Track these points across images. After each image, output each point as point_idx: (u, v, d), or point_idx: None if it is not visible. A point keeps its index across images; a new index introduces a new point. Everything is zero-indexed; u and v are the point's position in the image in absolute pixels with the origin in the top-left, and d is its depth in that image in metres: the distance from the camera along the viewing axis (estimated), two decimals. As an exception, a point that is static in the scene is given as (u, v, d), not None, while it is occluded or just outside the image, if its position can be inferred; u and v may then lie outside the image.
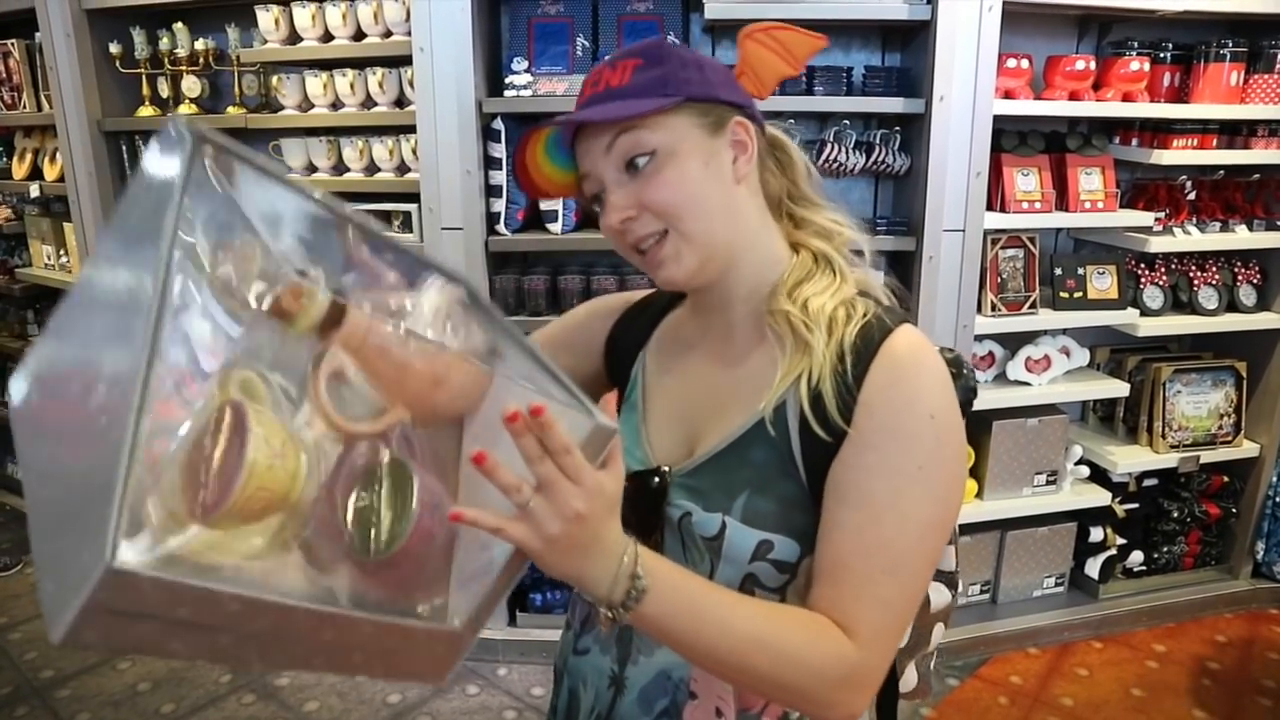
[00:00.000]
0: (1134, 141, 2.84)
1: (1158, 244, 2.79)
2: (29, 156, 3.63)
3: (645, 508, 0.96)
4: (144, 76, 3.14)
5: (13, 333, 4.11)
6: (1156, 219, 2.83)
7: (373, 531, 0.71)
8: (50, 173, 3.51)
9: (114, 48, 3.10)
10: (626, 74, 0.92)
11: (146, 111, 3.15)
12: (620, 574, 0.77)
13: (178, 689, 2.87)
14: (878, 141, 2.69)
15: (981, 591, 3.10)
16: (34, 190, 3.52)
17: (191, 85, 3.10)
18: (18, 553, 3.82)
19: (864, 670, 0.86)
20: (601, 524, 0.76)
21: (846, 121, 2.69)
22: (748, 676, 0.87)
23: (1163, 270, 3.00)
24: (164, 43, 3.07)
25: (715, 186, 0.92)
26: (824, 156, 2.66)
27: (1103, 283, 2.88)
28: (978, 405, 2.85)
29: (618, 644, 1.01)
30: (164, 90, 3.16)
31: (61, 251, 3.63)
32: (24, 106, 3.52)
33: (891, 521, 0.86)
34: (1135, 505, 3.17)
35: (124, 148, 3.17)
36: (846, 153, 2.67)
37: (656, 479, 0.98)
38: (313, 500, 0.69)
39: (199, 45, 3.07)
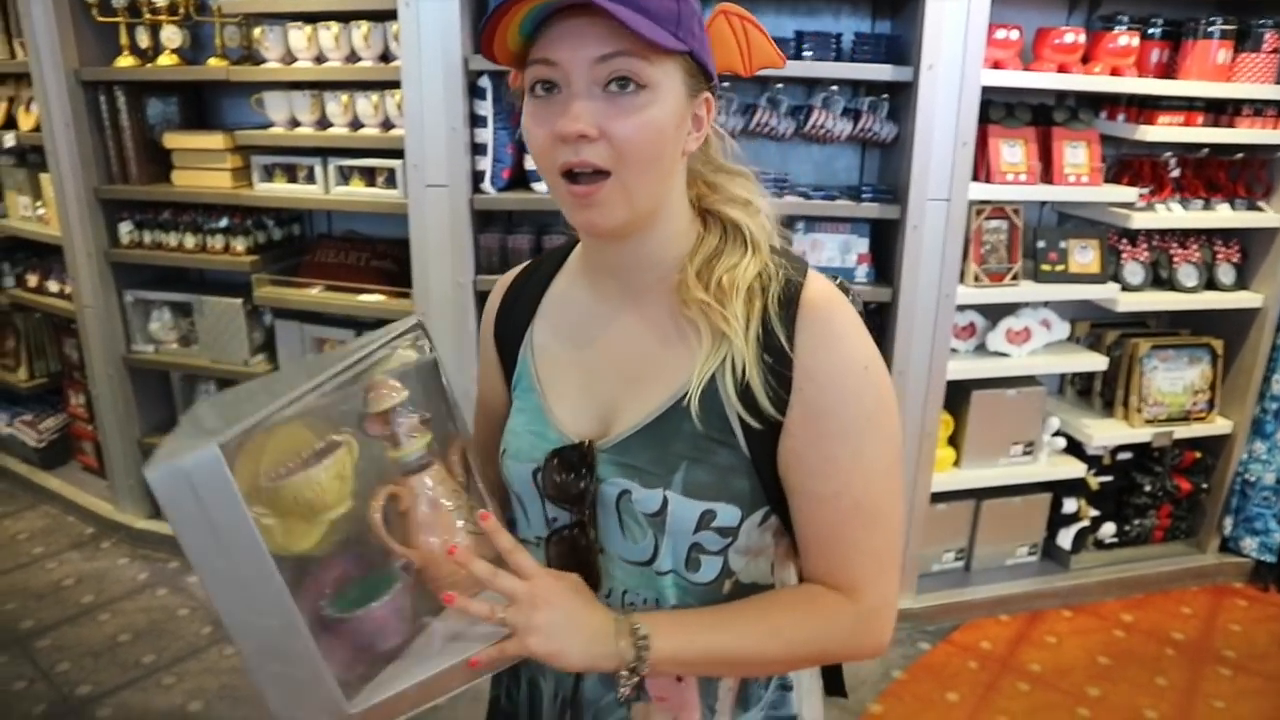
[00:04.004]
0: (1120, 117, 2.84)
1: (1140, 220, 2.81)
2: (3, 105, 3.57)
3: (573, 485, 0.95)
4: (122, 25, 3.08)
5: (-12, 284, 4.06)
6: (1140, 195, 2.84)
7: (348, 598, 0.89)
8: (25, 122, 3.45)
9: (91, -6, 3.04)
10: None
11: (125, 61, 3.09)
12: (620, 633, 0.87)
13: (158, 640, 2.85)
14: (865, 109, 2.68)
15: (956, 559, 3.14)
16: (9, 140, 3.46)
17: (171, 35, 3.04)
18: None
19: (871, 611, 0.93)
20: (577, 603, 0.89)
21: (835, 88, 2.68)
22: (771, 669, 1.02)
23: (1144, 246, 3.02)
24: (143, -10, 3.01)
25: (671, 149, 0.89)
26: (811, 122, 2.66)
27: (1085, 257, 2.90)
28: (957, 375, 2.87)
29: None
30: (143, 40, 3.09)
31: (38, 202, 3.58)
32: (-7, 53, 3.45)
33: (860, 480, 0.90)
34: (1109, 478, 3.21)
35: (102, 98, 3.11)
36: (834, 119, 2.67)
37: (579, 453, 0.96)
38: (336, 539, 0.88)
39: (179, -6, 3.01)
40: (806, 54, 2.61)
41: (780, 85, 2.71)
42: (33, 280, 3.78)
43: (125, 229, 3.23)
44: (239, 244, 3.08)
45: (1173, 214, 2.90)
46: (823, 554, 0.93)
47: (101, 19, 3.04)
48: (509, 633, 0.86)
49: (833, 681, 1.13)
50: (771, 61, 0.97)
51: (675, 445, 0.92)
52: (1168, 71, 2.82)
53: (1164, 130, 2.76)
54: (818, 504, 0.91)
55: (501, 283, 1.15)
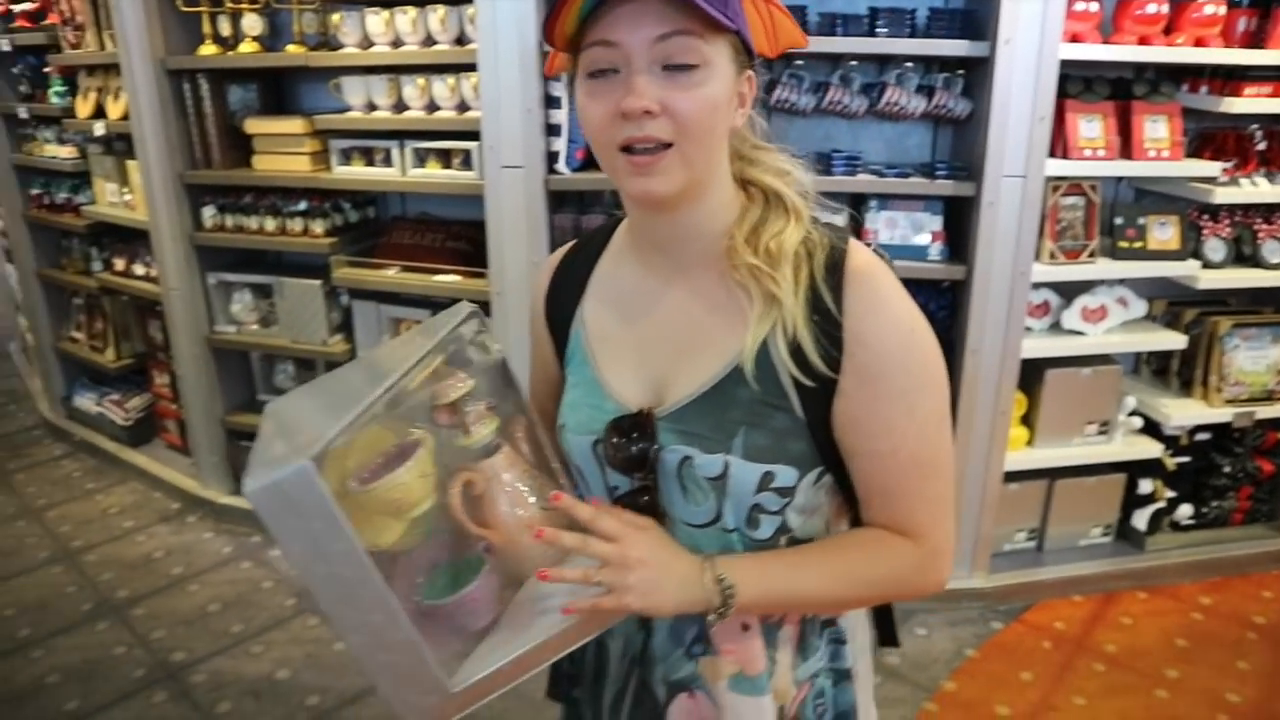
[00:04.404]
0: (1204, 89, 2.78)
1: (1223, 195, 2.74)
2: (93, 95, 3.69)
3: (635, 452, 0.99)
4: (205, 15, 3.17)
5: (77, 269, 4.22)
6: (1223, 169, 2.77)
7: (438, 584, 0.96)
8: (114, 111, 3.57)
9: (176, -14, 3.13)
10: None
11: (208, 50, 3.19)
12: (707, 584, 0.92)
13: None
14: (940, 85, 2.66)
15: (1028, 539, 3.12)
16: (99, 129, 3.59)
17: (252, 23, 3.13)
18: None
19: (933, 553, 0.99)
20: (665, 555, 0.93)
21: (909, 64, 2.66)
22: (845, 606, 1.09)
23: (1226, 222, 2.95)
24: (225, -20, 3.10)
25: (723, 123, 0.93)
26: (884, 99, 2.64)
27: (1164, 233, 2.84)
28: (1031, 353, 2.84)
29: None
30: (225, 29, 3.19)
31: (125, 189, 3.71)
32: (87, 46, 3.57)
33: (914, 436, 0.95)
34: (1186, 459, 3.15)
35: (186, 86, 3.21)
36: (908, 96, 2.65)
37: (639, 421, 0.99)
38: (422, 531, 0.94)
39: (260, -17, 3.09)
40: (880, 30, 2.59)
41: (854, 63, 2.70)
42: (120, 264, 3.91)
43: (208, 213, 3.34)
44: (317, 226, 3.17)
45: (1258, 188, 2.83)
46: (884, 505, 0.98)
47: (185, 9, 3.14)
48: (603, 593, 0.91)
49: (886, 632, 1.19)
50: (795, 42, 1.02)
51: (733, 411, 0.95)
52: (1255, 41, 2.74)
53: (1250, 102, 2.69)
54: (877, 461, 0.96)
55: (549, 263, 1.19)
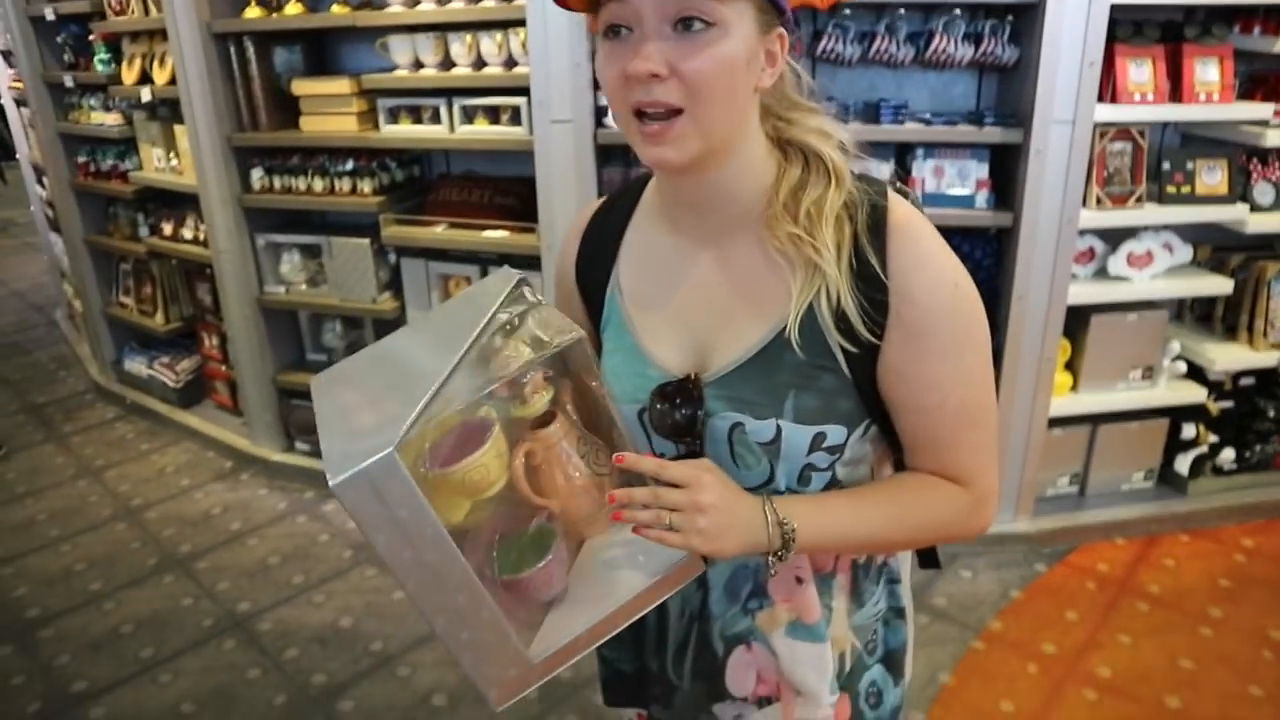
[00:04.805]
0: (1256, 30, 2.76)
1: (1275, 137, 2.72)
2: (138, 62, 3.73)
3: (684, 418, 0.98)
4: (249, -23, 3.20)
5: (124, 235, 4.29)
6: (1275, 111, 2.76)
7: (509, 558, 0.96)
8: (159, 77, 3.61)
9: (221, -52, 3.15)
10: None
11: (253, 12, 3.22)
12: (770, 527, 0.93)
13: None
14: (986, 32, 2.65)
15: (1071, 484, 3.15)
16: (145, 95, 3.63)
17: (296, -16, 3.16)
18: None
19: (981, 498, 1.01)
20: (730, 498, 0.92)
21: (958, 11, 2.65)
22: (895, 548, 1.12)
23: (1276, 165, 2.94)
24: (269, -58, 3.12)
25: (743, 86, 0.90)
26: (931, 48, 2.64)
27: (1212, 178, 2.84)
28: (1077, 300, 2.85)
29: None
30: (268, -9, 3.22)
31: (171, 154, 3.76)
32: (132, 12, 3.61)
33: (960, 388, 0.96)
34: (1230, 404, 3.17)
35: (232, 49, 3.25)
36: (955, 44, 2.65)
37: (686, 387, 0.99)
38: (490, 506, 0.94)
39: (303, -56, 3.11)
40: (927, -23, 2.59)
41: (901, 11, 2.70)
42: (167, 229, 3.98)
43: (256, 175, 3.39)
44: (366, 185, 3.21)
45: (1309, 131, 2.81)
46: (932, 454, 1.00)
47: (230, -29, 3.16)
48: (678, 546, 0.91)
49: (927, 556, 1.20)
50: None
51: (781, 375, 0.96)
52: (1308, -20, 2.72)
53: (1303, 42, 2.67)
54: (924, 414, 0.97)
55: (576, 227, 1.17)
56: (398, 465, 0.76)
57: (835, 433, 0.97)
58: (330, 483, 0.77)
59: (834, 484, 1.02)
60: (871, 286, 0.92)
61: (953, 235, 2.92)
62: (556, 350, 0.91)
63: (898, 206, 0.95)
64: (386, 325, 3.32)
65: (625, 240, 1.10)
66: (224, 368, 3.98)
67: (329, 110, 3.20)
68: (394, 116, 3.12)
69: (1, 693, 2.60)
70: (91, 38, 3.98)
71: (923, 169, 2.77)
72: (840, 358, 0.94)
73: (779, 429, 0.96)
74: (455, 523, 0.89)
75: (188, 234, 3.86)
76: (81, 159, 4.31)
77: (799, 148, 0.98)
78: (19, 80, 4.55)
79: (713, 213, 0.99)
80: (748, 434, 0.97)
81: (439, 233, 3.10)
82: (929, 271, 0.93)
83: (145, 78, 3.70)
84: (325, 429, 0.88)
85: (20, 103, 4.87)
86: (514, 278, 1.01)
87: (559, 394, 1.01)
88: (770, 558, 0.94)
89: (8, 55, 4.70)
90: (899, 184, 1.03)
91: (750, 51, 0.89)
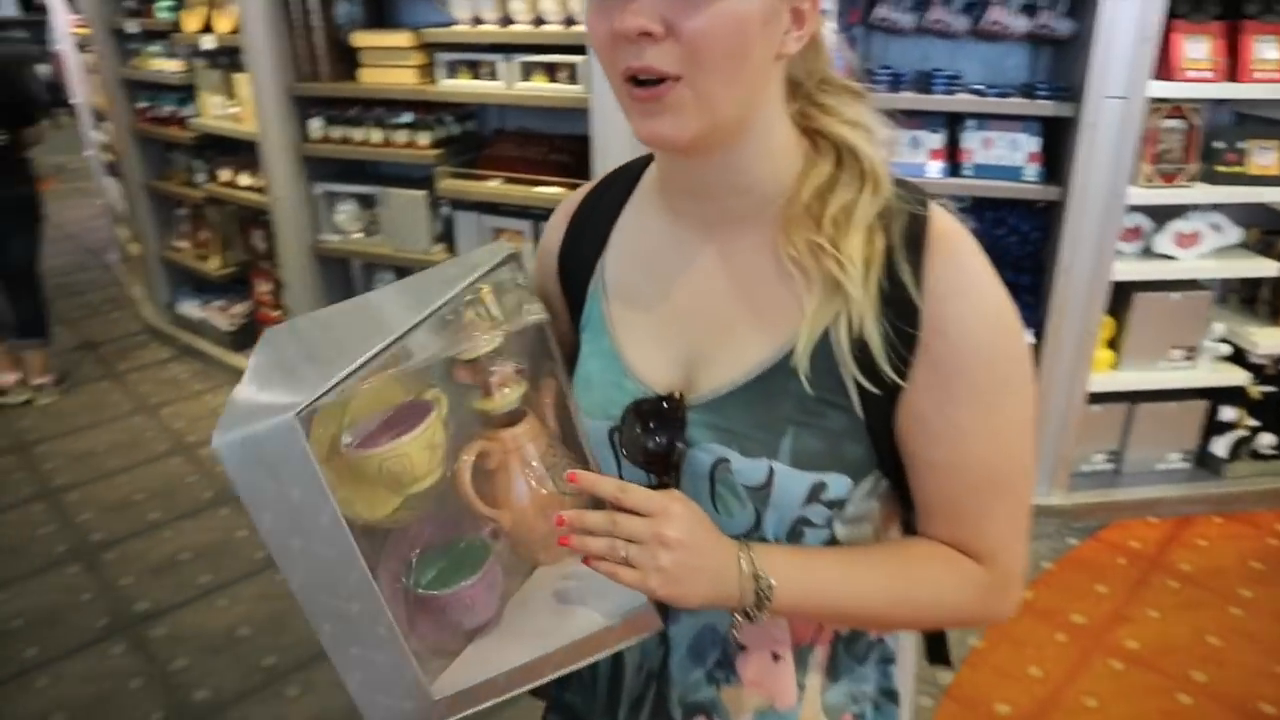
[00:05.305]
0: (1319, 9, 2.73)
1: (1332, 118, 2.72)
2: (201, 10, 3.82)
3: (658, 445, 0.83)
4: (314, -72, 3.26)
5: (181, 180, 4.40)
6: (1334, 92, 2.74)
7: (431, 570, 0.83)
8: (221, 25, 3.69)
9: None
10: None
11: (314, -36, 3.29)
12: (744, 579, 0.77)
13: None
14: (1042, 3, 2.66)
15: (1107, 460, 3.18)
16: (207, 43, 3.72)
17: (359, -63, 3.21)
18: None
19: (1002, 580, 0.84)
20: (701, 536, 0.77)
21: (1015, -19, 2.66)
22: (892, 626, 0.96)
23: (1331, 148, 2.92)
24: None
25: (759, 51, 0.74)
26: (986, 18, 2.66)
27: (1265, 158, 2.83)
28: (1121, 277, 2.86)
29: (656, 604, 0.82)
30: (332, -58, 3.28)
31: (231, 101, 3.85)
32: (197, -41, 3.69)
33: (991, 445, 0.80)
34: (1271, 388, 3.17)
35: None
36: (1010, 14, 2.66)
37: (667, 408, 0.84)
38: (421, 506, 0.81)
39: (365, -102, 3.17)
40: (988, -53, 2.60)
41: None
42: (224, 176, 4.08)
43: (315, 124, 3.47)
44: (423, 138, 3.28)
45: (1367, 114, 2.80)
46: (949, 522, 0.84)
47: (296, -78, 3.22)
48: (641, 595, 0.78)
49: (937, 647, 1.02)
50: None
51: (781, 407, 0.80)
52: (1375, -40, 2.69)
53: (1366, 24, 2.65)
54: (943, 473, 0.82)
55: (564, 207, 1.01)
56: (296, 435, 0.64)
57: (838, 483, 0.81)
58: (213, 441, 0.65)
59: (830, 543, 0.86)
60: (902, 314, 0.77)
61: (1000, 207, 2.94)
62: (509, 333, 0.80)
63: (940, 219, 0.80)
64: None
65: (617, 226, 0.95)
66: (275, 313, 4.09)
67: (388, 63, 3.26)
68: (452, 71, 3.17)
69: (73, 607, 2.75)
70: (156, -16, 4.08)
71: (973, 140, 2.79)
72: (854, 395, 0.79)
73: (771, 472, 0.80)
74: (376, 518, 0.78)
75: (244, 181, 3.96)
76: (140, 105, 4.41)
77: (832, 140, 0.83)
78: (82, 25, 4.66)
79: (718, 202, 0.84)
80: (733, 474, 0.82)
81: (493, 187, 3.16)
82: (970, 299, 0.78)
83: (207, 26, 3.79)
84: (248, 382, 0.75)
85: (80, 47, 4.99)
86: (504, 251, 0.90)
87: (539, 394, 0.89)
88: (738, 615, 0.79)
89: (72, 1, 4.81)
90: (943, 199, 0.89)
91: (770, 9, 0.73)
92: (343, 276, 3.85)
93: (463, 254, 0.97)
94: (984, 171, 2.79)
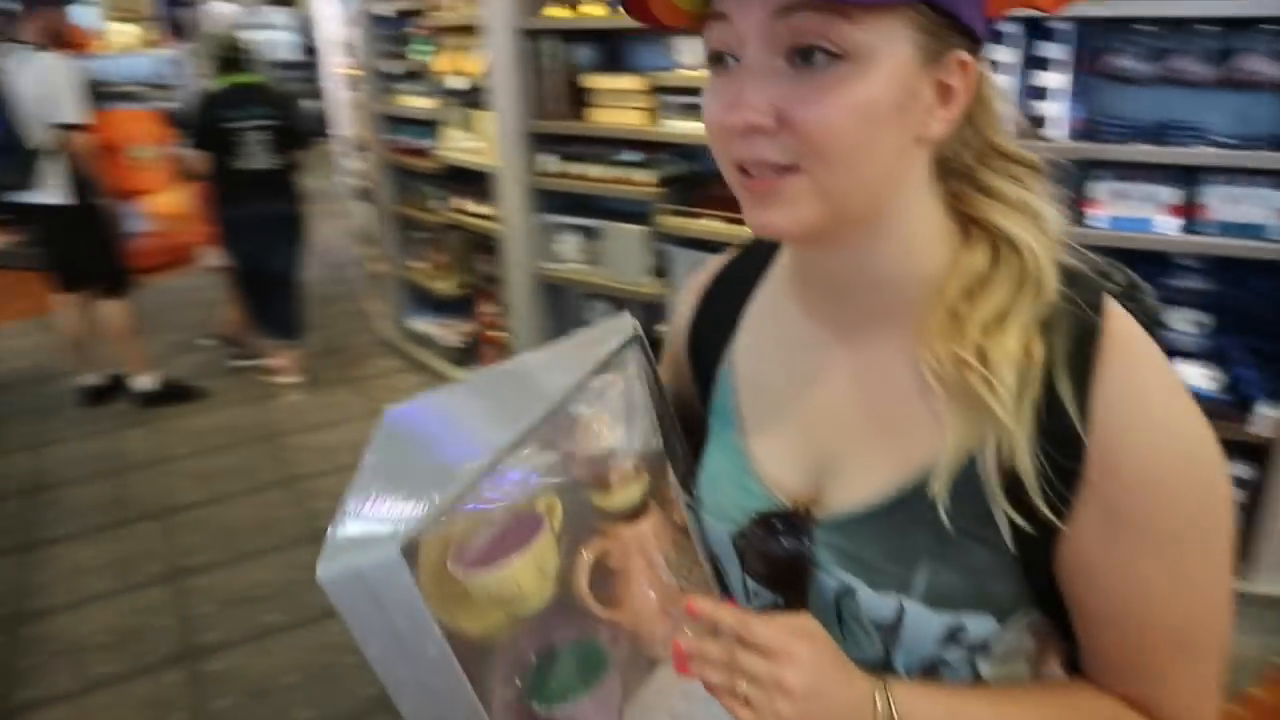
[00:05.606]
0: None
1: None
2: (450, 53, 4.20)
3: (783, 562, 0.77)
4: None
5: (420, 206, 4.81)
6: None
7: (545, 680, 0.77)
8: (470, 67, 4.04)
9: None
10: None
11: (555, 11, 3.54)
12: None
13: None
14: (1302, 50, 2.51)
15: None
16: (457, 83, 4.08)
17: (594, -12, 3.45)
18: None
19: None
20: (827, 681, 0.66)
21: (1268, 27, 2.52)
22: None
23: None
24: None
25: (894, 136, 0.65)
26: (1235, 65, 2.53)
27: None
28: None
29: None
30: (569, -9, 3.53)
31: (469, 135, 4.20)
32: (451, 10, 4.06)
33: (1176, 602, 0.68)
34: None
35: (537, 45, 3.59)
36: (1265, 62, 2.52)
37: (793, 523, 0.77)
38: (531, 620, 0.76)
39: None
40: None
41: (1201, 26, 2.60)
42: (459, 203, 4.43)
43: (546, 159, 3.72)
44: (645, 176, 3.45)
45: None
46: (1123, 679, 0.72)
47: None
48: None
49: None
50: None
51: (915, 538, 0.71)
52: None
53: None
54: (1117, 630, 0.70)
55: (698, 282, 0.94)
56: (401, 570, 0.62)
57: (979, 624, 0.71)
58: (318, 573, 0.63)
59: (974, 681, 0.75)
60: (1062, 449, 0.66)
61: (1238, 267, 2.77)
62: (600, 365, 0.75)
63: (1117, 325, 0.68)
64: (650, 309, 3.56)
65: (749, 311, 0.87)
66: (499, 334, 4.39)
67: (617, 104, 3.46)
68: (676, 113, 3.33)
69: (304, 584, 3.05)
70: (411, 30, 4.51)
71: (1214, 195, 2.66)
72: (1006, 531, 0.68)
73: (901, 610, 0.72)
74: (481, 631, 0.74)
75: (476, 209, 4.29)
76: (388, 137, 4.88)
77: (988, 229, 0.71)
78: (352, 68, 5.22)
79: (850, 298, 0.76)
80: (859, 605, 0.74)
81: (708, 225, 3.28)
82: (1149, 433, 0.65)
83: (454, 68, 4.15)
84: (359, 487, 0.71)
85: (347, 86, 5.57)
86: (627, 332, 0.85)
87: (659, 487, 0.83)
88: None
89: (347, 46, 5.39)
90: (1134, 285, 0.76)
91: (905, 90, 0.64)
92: (559, 302, 4.09)
93: (585, 330, 0.93)
94: (1225, 229, 2.65)
